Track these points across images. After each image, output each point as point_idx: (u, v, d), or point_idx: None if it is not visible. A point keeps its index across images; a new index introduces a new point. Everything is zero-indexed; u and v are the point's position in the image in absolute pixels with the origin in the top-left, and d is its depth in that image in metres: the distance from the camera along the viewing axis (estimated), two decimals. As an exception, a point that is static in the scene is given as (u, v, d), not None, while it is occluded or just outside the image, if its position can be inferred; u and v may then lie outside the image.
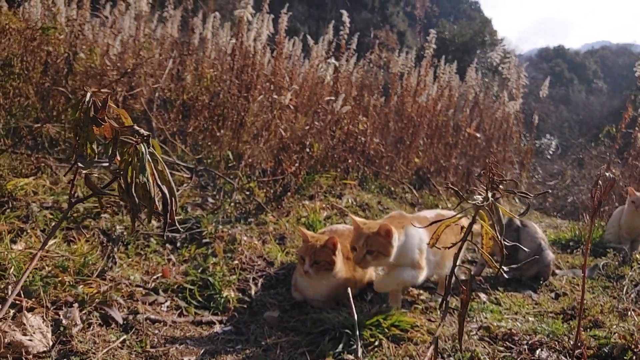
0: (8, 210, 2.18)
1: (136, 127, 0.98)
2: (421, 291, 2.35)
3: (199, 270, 2.12)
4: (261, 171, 3.73)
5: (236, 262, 2.24)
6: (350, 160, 4.45)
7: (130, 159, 0.97)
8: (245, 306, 2.01)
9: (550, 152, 10.57)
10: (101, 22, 5.30)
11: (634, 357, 1.64)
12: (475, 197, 1.09)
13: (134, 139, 0.98)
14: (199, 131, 4.23)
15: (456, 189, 1.08)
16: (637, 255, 3.12)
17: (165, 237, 2.38)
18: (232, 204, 3.01)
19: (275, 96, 4.44)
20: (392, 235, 1.91)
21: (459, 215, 1.11)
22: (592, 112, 17.23)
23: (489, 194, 1.06)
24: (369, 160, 4.79)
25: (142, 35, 4.86)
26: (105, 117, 0.99)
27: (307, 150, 3.60)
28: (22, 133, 3.03)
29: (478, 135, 5.61)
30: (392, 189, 4.54)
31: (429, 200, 4.54)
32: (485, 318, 2.10)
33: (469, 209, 1.11)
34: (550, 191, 6.79)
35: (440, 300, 2.12)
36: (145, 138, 0.98)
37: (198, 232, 2.52)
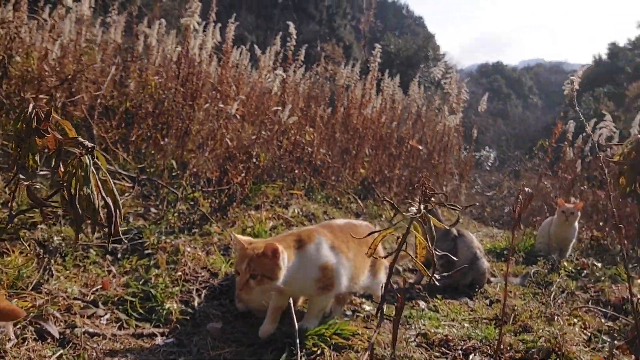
0: None
1: (80, 139, 0.98)
2: (363, 299, 2.40)
3: (141, 282, 2.08)
4: (206, 181, 3.70)
5: (179, 273, 2.22)
6: (297, 171, 4.49)
7: (74, 171, 0.97)
8: (188, 318, 2.00)
9: (489, 164, 11.04)
10: (39, 25, 5.12)
11: (557, 358, 1.76)
12: (410, 209, 1.15)
13: (78, 150, 0.98)
14: (142, 139, 4.16)
15: (392, 202, 1.14)
16: (565, 263, 3.33)
17: (105, 248, 2.33)
18: (176, 214, 2.97)
19: (222, 105, 4.43)
20: (279, 256, 1.75)
21: (389, 230, 1.16)
22: (527, 126, 18.13)
23: (422, 207, 1.13)
24: (316, 171, 4.85)
25: (83, 40, 4.73)
26: (49, 128, 0.98)
27: (254, 160, 3.60)
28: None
29: (420, 147, 5.80)
30: (338, 199, 4.61)
31: (373, 210, 4.64)
32: (424, 325, 2.18)
33: (400, 221, 1.17)
34: (477, 204, 7.09)
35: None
36: (89, 150, 0.98)
37: (140, 242, 2.47)
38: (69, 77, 3.81)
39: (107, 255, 2.33)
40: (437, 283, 1.23)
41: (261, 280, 1.74)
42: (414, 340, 1.99)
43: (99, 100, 4.16)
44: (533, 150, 11.26)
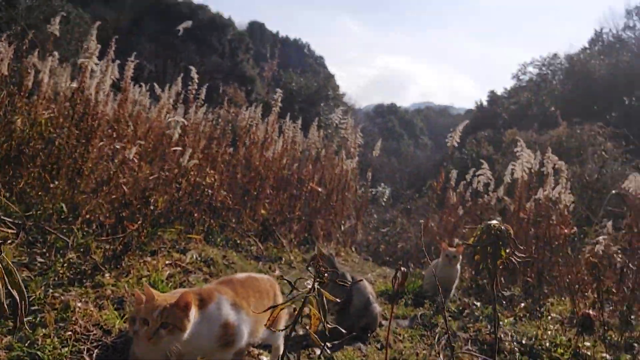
0: None
1: None
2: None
3: (26, 344, 1.97)
4: (99, 226, 3.56)
5: (69, 332, 2.12)
6: (196, 214, 4.45)
7: None
8: (78, 380, 1.92)
9: (384, 200, 11.57)
10: None
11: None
12: (304, 284, 1.25)
13: None
14: (29, 180, 3.91)
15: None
16: (449, 303, 3.61)
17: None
18: (65, 264, 2.83)
19: (118, 145, 4.32)
20: (190, 309, 1.80)
21: (287, 304, 1.26)
22: (419, 164, 19.35)
23: (316, 285, 1.23)
24: (216, 213, 4.84)
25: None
26: None
27: (152, 206, 3.54)
28: None
29: (319, 189, 6.00)
30: (238, 241, 4.63)
31: (273, 253, 4.71)
32: (319, 374, 2.27)
33: (299, 294, 1.26)
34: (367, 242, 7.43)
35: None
36: None
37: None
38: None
39: (-14, 314, 2.17)
40: (328, 352, 1.34)
41: (172, 330, 1.76)
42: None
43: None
44: (423, 189, 12.05)
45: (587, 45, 25.24)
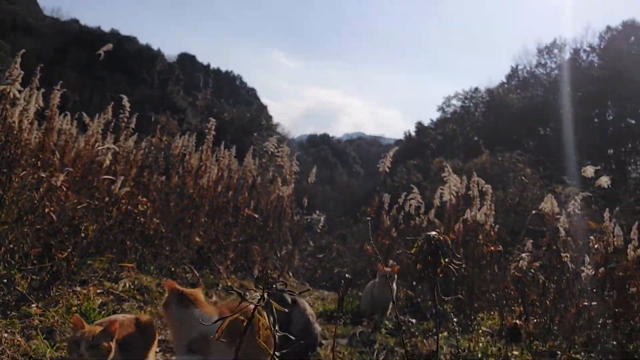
0: None
1: None
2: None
3: (-55, 378, 1.83)
4: (23, 256, 3.37)
5: (-5, 363, 2.00)
6: (128, 242, 4.32)
7: None
8: (4, 414, 1.80)
9: (320, 227, 11.67)
10: None
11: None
12: (253, 295, 1.28)
13: None
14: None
15: (236, 290, 1.26)
16: (386, 321, 3.70)
17: None
18: (-12, 296, 2.66)
19: (43, 174, 4.14)
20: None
21: (236, 315, 1.28)
22: (352, 192, 19.74)
23: (265, 295, 1.27)
24: (149, 241, 4.71)
25: None
26: None
27: (82, 234, 3.41)
28: None
29: (256, 215, 5.99)
30: (173, 269, 4.52)
31: (210, 279, 4.63)
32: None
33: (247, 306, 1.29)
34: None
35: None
36: None
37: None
38: None
39: None
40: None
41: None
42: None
43: None
44: (357, 215, 12.28)
45: (505, 80, 27.14)
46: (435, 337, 1.72)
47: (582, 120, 20.08)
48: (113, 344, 1.97)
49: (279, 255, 6.29)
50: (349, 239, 9.25)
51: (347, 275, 1.74)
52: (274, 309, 1.38)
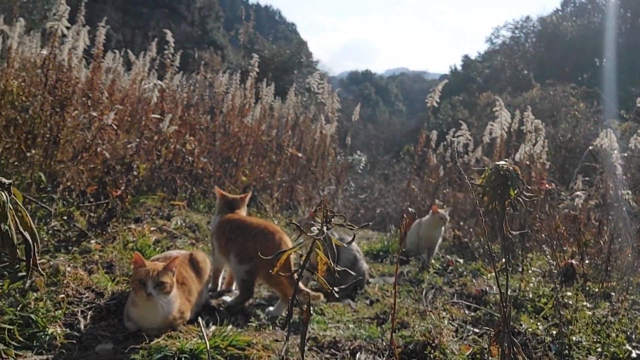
0: None
1: None
2: (254, 310, 2.47)
3: (18, 308, 1.94)
4: (80, 194, 3.49)
5: (62, 295, 2.10)
6: (178, 181, 4.40)
7: None
8: (74, 342, 1.90)
9: (361, 168, 11.65)
10: None
11: (431, 350, 1.98)
12: (312, 229, 1.25)
13: None
14: (4, 150, 3.78)
15: (296, 224, 1.23)
16: (433, 261, 3.68)
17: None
18: (50, 232, 2.78)
19: (94, 113, 4.20)
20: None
21: (295, 248, 1.26)
22: (394, 131, 19.43)
23: (324, 228, 1.24)
24: (197, 180, 4.79)
25: None
26: None
27: (134, 172, 3.48)
28: None
29: (300, 154, 5.98)
30: (221, 208, 4.60)
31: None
32: (312, 329, 2.30)
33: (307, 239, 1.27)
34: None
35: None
36: (6, 186, 0.95)
37: (9, 264, 2.28)
38: None
39: (-27, 282, 2.12)
40: (337, 295, 1.35)
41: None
42: (305, 344, 2.10)
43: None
44: (400, 154, 12.13)
45: (559, 7, 25.41)
46: (505, 275, 1.68)
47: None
48: (174, 280, 2.03)
49: (322, 194, 6.31)
50: (392, 178, 9.17)
51: (410, 209, 1.68)
52: (333, 243, 1.37)
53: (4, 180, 0.97)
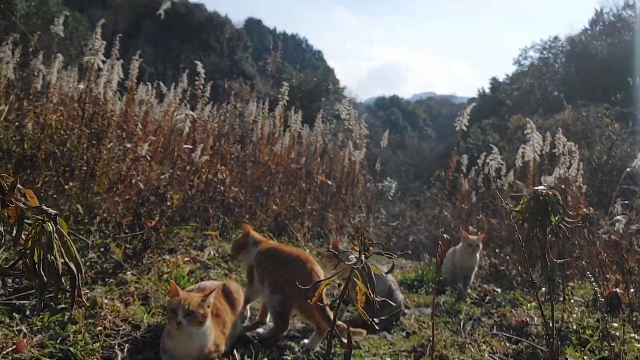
0: None
1: (43, 207, 0.97)
2: (289, 342, 2.43)
3: (58, 340, 1.96)
4: (116, 225, 3.55)
5: (99, 328, 2.11)
6: (210, 210, 4.44)
7: (37, 238, 0.95)
8: (111, 376, 1.91)
9: (391, 194, 11.57)
10: None
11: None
12: (349, 257, 1.23)
13: (41, 218, 0.96)
14: (43, 183, 3.89)
15: (333, 252, 1.21)
16: (469, 291, 3.59)
17: (12, 306, 2.16)
18: (87, 263, 2.82)
19: (129, 145, 4.29)
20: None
21: (332, 279, 1.24)
22: (423, 156, 19.31)
23: (362, 257, 1.22)
24: (229, 209, 4.83)
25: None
26: (12, 199, 0.96)
27: (168, 202, 3.53)
28: None
29: (329, 182, 5.97)
30: (253, 237, 4.60)
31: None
32: (349, 361, 2.25)
33: (343, 269, 1.25)
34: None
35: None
36: (52, 217, 0.97)
37: (50, 296, 2.31)
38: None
39: (14, 313, 2.16)
40: (376, 327, 1.32)
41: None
42: (343, 378, 2.05)
43: (-9, 143, 3.87)
44: (430, 180, 12.01)
45: (587, 26, 25.02)
46: (549, 305, 1.61)
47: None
48: (208, 311, 2.02)
49: (352, 222, 6.27)
50: (423, 205, 9.06)
51: (445, 236, 1.65)
52: (372, 273, 1.34)
53: (50, 210, 0.98)
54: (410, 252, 5.92)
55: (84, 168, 3.92)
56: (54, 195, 3.75)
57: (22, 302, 2.25)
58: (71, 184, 3.80)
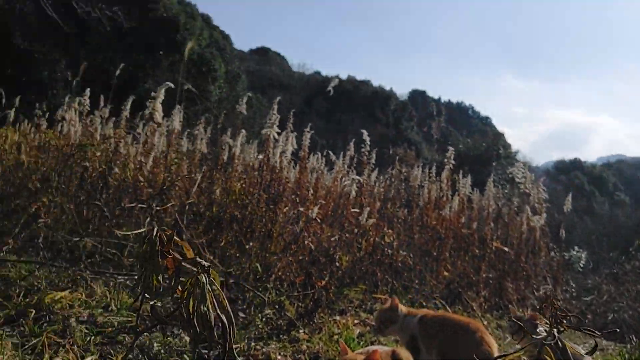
0: (45, 324, 2.14)
1: (198, 259, 1.01)
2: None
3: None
4: (290, 284, 3.66)
5: (272, 384, 2.12)
6: (378, 274, 4.37)
7: (192, 289, 0.98)
8: None
9: (581, 266, 10.29)
10: (134, 138, 5.60)
11: None
12: (538, 330, 1.04)
13: (195, 270, 1.00)
14: (227, 243, 4.24)
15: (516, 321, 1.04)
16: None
17: (198, 354, 2.28)
18: (263, 319, 2.92)
19: (301, 209, 4.49)
20: None
21: (517, 353, 1.05)
22: (617, 224, 17.04)
23: (554, 331, 1.02)
24: (397, 273, 4.70)
25: (172, 151, 5.04)
26: (170, 250, 1.02)
27: (337, 263, 3.55)
28: (60, 246, 3.07)
29: (506, 248, 5.52)
30: (424, 303, 4.39)
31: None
32: None
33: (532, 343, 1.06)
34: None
35: None
36: (205, 269, 1.00)
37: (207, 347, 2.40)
38: (164, 187, 4.02)
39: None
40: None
41: None
42: None
43: (187, 207, 4.36)
44: (630, 250, 10.45)
45: None
46: None
47: None
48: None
49: (536, 294, 5.64)
50: (622, 278, 7.84)
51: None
52: (568, 351, 1.11)
53: (203, 262, 1.01)
54: (617, 330, 5.06)
55: (262, 230, 4.19)
56: (237, 254, 4.04)
57: (206, 351, 2.37)
58: (251, 244, 4.07)
